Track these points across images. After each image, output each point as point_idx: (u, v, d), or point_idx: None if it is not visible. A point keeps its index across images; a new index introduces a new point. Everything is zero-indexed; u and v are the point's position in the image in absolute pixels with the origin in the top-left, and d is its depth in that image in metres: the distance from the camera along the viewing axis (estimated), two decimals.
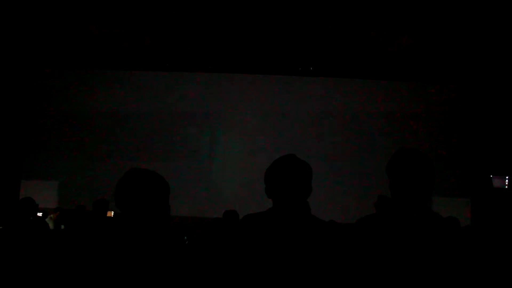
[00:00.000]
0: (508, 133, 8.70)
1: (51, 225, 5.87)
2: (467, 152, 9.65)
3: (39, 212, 5.32)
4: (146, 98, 10.62)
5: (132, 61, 10.14)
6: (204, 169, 10.50)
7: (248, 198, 8.54)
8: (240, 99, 10.55)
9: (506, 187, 8.62)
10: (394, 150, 1.74)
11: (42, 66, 10.47)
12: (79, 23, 7.78)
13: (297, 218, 1.65)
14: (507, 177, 8.65)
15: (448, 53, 8.21)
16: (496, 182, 8.68)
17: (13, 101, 10.28)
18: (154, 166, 1.59)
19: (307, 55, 9.23)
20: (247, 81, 10.60)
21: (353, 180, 9.90)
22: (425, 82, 9.90)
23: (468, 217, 8.91)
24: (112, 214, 5.50)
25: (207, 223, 2.81)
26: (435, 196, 9.06)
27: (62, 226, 5.09)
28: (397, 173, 1.67)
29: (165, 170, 1.68)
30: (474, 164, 9.38)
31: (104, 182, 9.31)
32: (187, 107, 10.60)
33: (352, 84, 10.17)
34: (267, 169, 1.74)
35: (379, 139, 9.98)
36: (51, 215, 6.81)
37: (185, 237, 3.87)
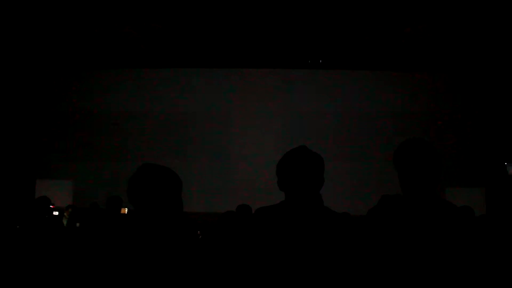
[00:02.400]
0: None
1: (64, 223, 5.95)
2: (481, 141, 9.54)
3: (55, 210, 5.38)
4: (160, 96, 10.66)
5: (144, 59, 10.20)
6: (217, 165, 10.53)
7: (262, 194, 8.55)
8: (254, 95, 10.54)
9: None
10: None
11: (57, 67, 10.57)
12: (96, 24, 7.85)
13: (310, 210, 1.64)
14: None
15: (456, 41, 8.11)
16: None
17: (28, 102, 10.41)
18: (167, 163, 1.59)
19: (316, 47, 9.18)
20: (258, 76, 10.58)
21: (369, 176, 9.84)
22: (434, 72, 9.82)
23: (483, 207, 8.82)
24: (126, 211, 5.55)
25: (220, 216, 2.82)
26: (449, 187, 9.00)
27: (78, 224, 5.15)
28: (404, 163, 1.66)
29: (178, 167, 1.68)
30: (489, 152, 9.28)
31: (118, 180, 9.40)
32: (199, 104, 10.62)
33: (365, 78, 10.11)
34: (279, 161, 1.74)
35: (391, 131, 9.90)
36: (65, 213, 6.89)
37: (198, 232, 3.89)
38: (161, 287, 1.43)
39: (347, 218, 1.71)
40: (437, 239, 1.57)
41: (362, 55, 9.30)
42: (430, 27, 7.51)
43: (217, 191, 10.25)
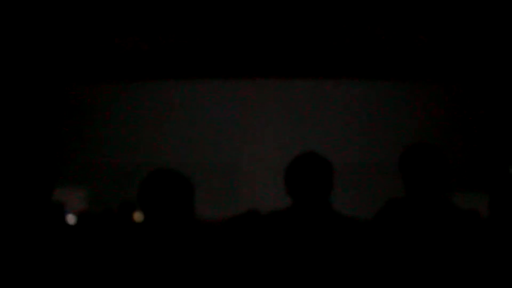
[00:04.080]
0: None
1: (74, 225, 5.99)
2: (485, 144, 9.42)
3: (70, 215, 5.45)
4: (174, 106, 10.73)
5: (156, 69, 10.26)
6: (229, 173, 10.54)
7: (273, 201, 8.54)
8: (263, 104, 10.55)
9: None
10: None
11: (73, 77, 10.71)
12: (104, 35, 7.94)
13: (318, 215, 1.65)
14: None
15: (461, 48, 8.04)
16: None
17: (45, 111, 10.56)
18: (179, 171, 1.59)
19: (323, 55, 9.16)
20: (268, 85, 10.59)
21: (383, 182, 9.74)
22: (439, 77, 9.73)
23: (486, 211, 8.68)
24: (140, 216, 5.59)
25: (228, 220, 2.84)
26: (454, 192, 8.86)
27: (88, 228, 5.20)
28: (410, 167, 1.66)
29: (190, 174, 1.69)
30: (492, 156, 9.17)
31: (132, 187, 9.43)
32: (210, 114, 10.66)
33: (370, 85, 10.07)
34: (287, 167, 1.75)
35: (395, 136, 9.81)
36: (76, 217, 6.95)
37: (208, 237, 3.89)
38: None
39: (355, 222, 1.70)
40: (444, 242, 1.58)
41: (368, 62, 9.26)
42: (432, 33, 7.48)
43: (225, 198, 10.25)
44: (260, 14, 7.10)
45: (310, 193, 1.66)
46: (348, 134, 10.45)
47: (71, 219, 5.35)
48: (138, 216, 5.45)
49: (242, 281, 1.70)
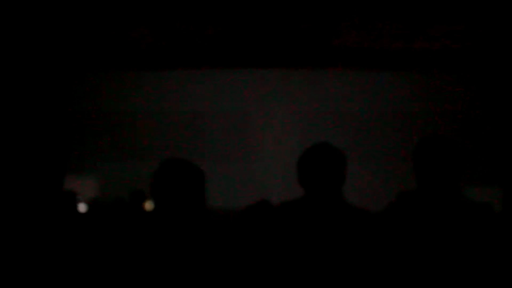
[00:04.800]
0: None
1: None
2: (498, 138, 9.34)
3: (82, 204, 5.51)
4: (182, 97, 10.75)
5: (163, 60, 10.27)
6: (239, 165, 10.57)
7: (282, 192, 8.57)
8: (272, 95, 10.53)
9: None
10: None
11: (83, 66, 10.76)
12: (111, 25, 7.95)
13: (330, 205, 1.64)
14: None
15: (471, 36, 7.93)
16: None
17: (56, 100, 10.64)
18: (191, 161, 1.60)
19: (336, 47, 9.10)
20: (277, 76, 10.54)
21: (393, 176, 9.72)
22: (449, 70, 9.65)
23: (499, 206, 8.61)
24: (150, 204, 5.63)
25: (240, 211, 2.85)
26: (467, 186, 8.81)
27: (99, 217, 5.26)
28: (423, 159, 1.64)
29: (202, 165, 1.70)
30: (505, 150, 9.10)
31: (143, 176, 9.51)
32: (218, 104, 10.67)
33: (382, 78, 10.00)
34: (299, 157, 1.74)
35: (406, 131, 9.76)
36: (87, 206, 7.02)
37: (219, 226, 3.91)
38: (181, 279, 1.46)
39: (367, 214, 1.70)
40: (456, 235, 1.57)
41: (378, 54, 9.18)
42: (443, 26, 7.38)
43: (236, 188, 10.28)
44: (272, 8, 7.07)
45: (322, 184, 1.65)
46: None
47: (82, 207, 5.41)
48: (149, 206, 5.49)
49: (253, 271, 1.71)
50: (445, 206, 1.63)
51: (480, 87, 9.55)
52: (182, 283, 1.45)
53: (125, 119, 10.95)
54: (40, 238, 2.60)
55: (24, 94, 9.59)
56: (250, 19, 7.71)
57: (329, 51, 9.37)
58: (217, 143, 10.70)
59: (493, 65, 9.27)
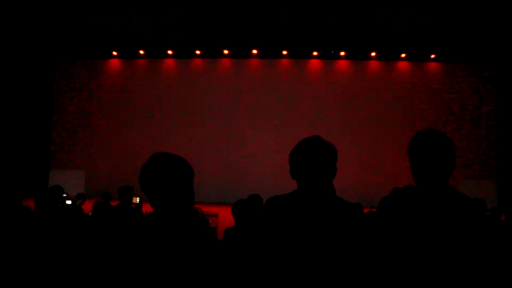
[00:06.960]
0: None
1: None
2: (494, 133, 9.44)
3: (68, 199, 5.44)
4: (169, 87, 10.69)
5: (153, 49, 10.19)
6: (227, 156, 10.56)
7: (273, 184, 8.58)
8: (261, 85, 10.52)
9: None
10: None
11: (67, 57, 10.64)
12: (107, 15, 7.92)
13: (322, 199, 1.64)
14: None
15: (481, 31, 7.99)
16: None
17: (39, 95, 10.50)
18: (178, 154, 1.59)
19: (329, 37, 9.11)
20: (267, 66, 10.54)
21: (382, 163, 9.81)
22: (449, 63, 9.72)
23: (494, 199, 8.76)
24: (138, 200, 5.59)
25: (232, 205, 2.83)
26: (462, 179, 8.92)
27: (90, 213, 5.21)
28: (418, 153, 1.65)
29: (189, 157, 1.68)
30: (501, 145, 9.19)
31: (129, 170, 9.47)
32: (208, 94, 10.63)
33: (375, 68, 10.04)
34: (292, 150, 1.73)
35: (402, 123, 9.83)
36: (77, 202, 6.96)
37: (210, 221, 3.90)
38: (175, 276, 1.44)
39: (359, 209, 1.70)
40: (449, 230, 1.57)
41: (375, 45, 9.20)
42: (447, 17, 7.42)
43: (227, 182, 10.29)
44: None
45: (314, 177, 1.65)
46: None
47: (69, 201, 5.37)
48: (136, 200, 5.46)
49: (247, 265, 1.69)
50: (438, 201, 1.62)
51: (480, 83, 9.64)
52: (171, 276, 1.43)
53: (110, 110, 10.86)
54: (28, 233, 2.56)
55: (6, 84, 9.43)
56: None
57: None
58: (207, 133, 10.67)
59: (500, 62, 9.30)
